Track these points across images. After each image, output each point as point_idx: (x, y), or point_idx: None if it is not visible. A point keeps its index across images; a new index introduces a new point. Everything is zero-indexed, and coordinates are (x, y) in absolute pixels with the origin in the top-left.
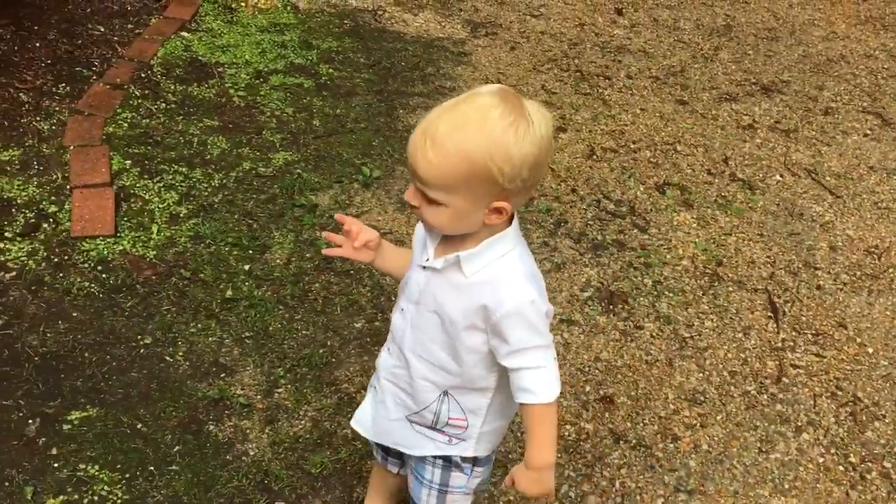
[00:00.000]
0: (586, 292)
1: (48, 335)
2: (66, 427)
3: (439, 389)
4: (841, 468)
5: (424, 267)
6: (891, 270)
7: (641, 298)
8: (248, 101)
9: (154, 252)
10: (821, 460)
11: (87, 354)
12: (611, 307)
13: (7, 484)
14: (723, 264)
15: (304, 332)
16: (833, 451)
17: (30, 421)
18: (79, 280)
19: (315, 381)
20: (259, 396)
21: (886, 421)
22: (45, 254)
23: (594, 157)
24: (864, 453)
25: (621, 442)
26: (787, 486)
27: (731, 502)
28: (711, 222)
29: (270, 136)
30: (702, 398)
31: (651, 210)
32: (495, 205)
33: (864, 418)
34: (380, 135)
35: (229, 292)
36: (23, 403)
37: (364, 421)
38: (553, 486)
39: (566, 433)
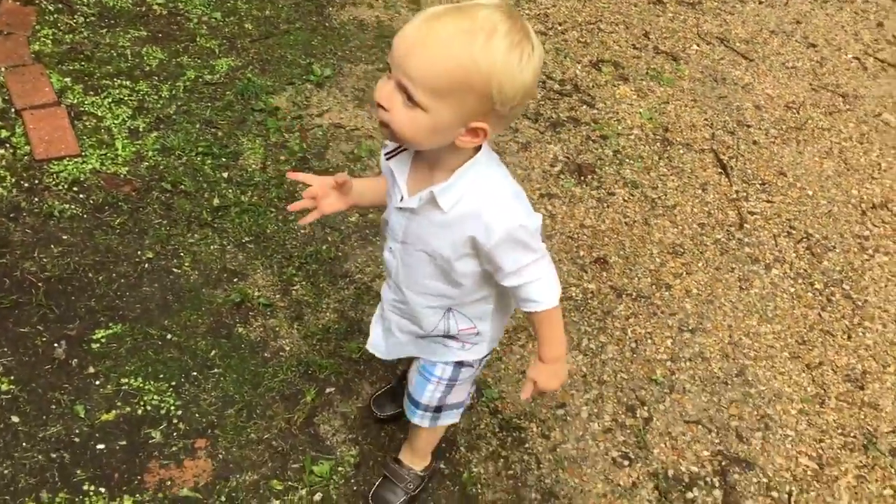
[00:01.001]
0: (556, 167)
1: (44, 260)
2: (94, 346)
3: (442, 310)
4: (810, 295)
5: (401, 208)
6: (810, 122)
7: (606, 167)
8: (169, 9)
9: (126, 168)
10: (792, 290)
11: (90, 275)
12: (582, 178)
13: (55, 407)
14: (669, 130)
15: (301, 231)
16: (800, 281)
17: (55, 345)
18: (57, 203)
19: (328, 275)
20: (278, 296)
21: (837, 251)
22: (13, 179)
23: None
24: (825, 280)
25: (623, 296)
26: (770, 316)
27: (727, 335)
28: (649, 93)
29: (206, 42)
30: (681, 250)
31: (593, 86)
32: (474, 124)
33: (818, 251)
34: (317, 34)
35: (216, 200)
36: (42, 329)
37: (377, 345)
38: (567, 374)
39: (574, 294)
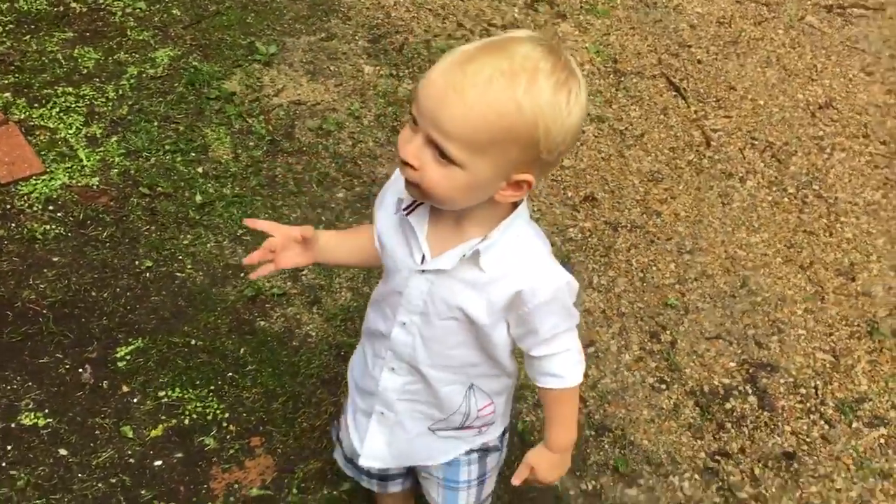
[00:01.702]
0: None
1: (42, 286)
2: (120, 364)
3: (465, 387)
4: (786, 200)
5: (423, 271)
6: (743, 34)
7: None
8: (89, 6)
9: (96, 179)
10: (769, 198)
11: (94, 293)
12: None
13: (99, 432)
14: (618, 61)
15: (293, 215)
16: (774, 188)
17: (80, 370)
18: (37, 225)
19: None
20: (289, 284)
21: (799, 154)
22: None
23: None
24: (796, 184)
25: (619, 228)
26: (756, 226)
27: (723, 250)
28: (589, 27)
29: (138, 35)
30: (660, 175)
31: (535, 28)
32: (517, 177)
33: (783, 157)
34: (249, 11)
35: (198, 197)
36: (61, 356)
37: (376, 453)
38: (569, 464)
39: (573, 235)
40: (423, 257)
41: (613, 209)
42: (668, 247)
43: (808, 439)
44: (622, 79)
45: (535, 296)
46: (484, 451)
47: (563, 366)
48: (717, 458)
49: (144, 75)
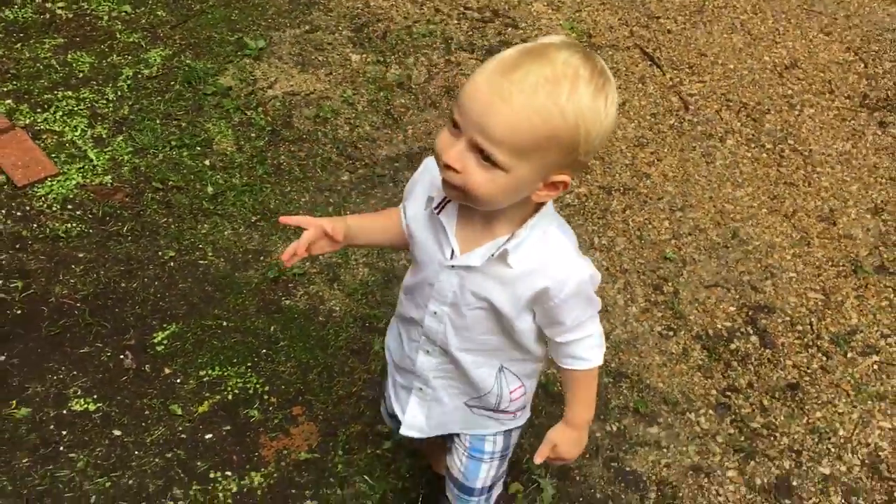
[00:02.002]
0: None
1: (72, 281)
2: (159, 349)
3: (495, 369)
4: (765, 155)
5: (454, 266)
6: (707, 3)
7: None
8: (75, 11)
9: (109, 177)
10: (749, 155)
11: (123, 284)
12: None
13: (148, 412)
14: (592, 35)
15: (303, 199)
16: (752, 145)
17: (121, 357)
18: (58, 224)
19: None
20: (308, 264)
21: (772, 113)
22: (2, 211)
23: None
24: (772, 140)
25: (612, 192)
26: (740, 181)
27: (711, 205)
28: (561, 5)
29: (127, 37)
30: (645, 140)
31: (509, 8)
32: (555, 178)
33: (757, 116)
34: (233, 8)
35: (210, 189)
36: (101, 345)
37: (416, 425)
38: (586, 440)
39: (570, 201)
40: (453, 253)
41: (605, 174)
42: (660, 205)
43: (808, 371)
44: (598, 52)
45: (560, 291)
46: (509, 430)
47: (585, 349)
48: (727, 393)
49: (140, 76)
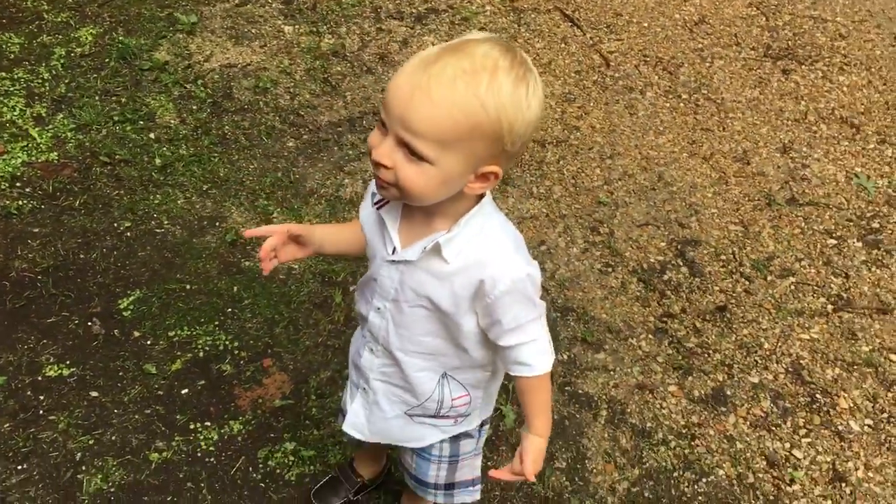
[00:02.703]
0: None
1: (31, 255)
2: (126, 314)
3: (437, 375)
4: (682, 105)
5: (394, 261)
6: None
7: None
8: None
9: (54, 154)
10: (668, 105)
11: (82, 256)
12: None
13: (122, 373)
14: (514, 0)
15: (251, 166)
16: (670, 97)
17: (88, 323)
18: (9, 202)
19: (297, 196)
20: (263, 225)
21: (686, 66)
22: None
23: None
24: (688, 91)
25: (546, 145)
26: (662, 129)
27: (637, 152)
28: None
29: (55, 17)
30: (572, 96)
31: None
32: (485, 169)
33: (672, 69)
34: None
35: (157, 160)
36: (67, 314)
37: (358, 424)
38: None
39: None
40: (395, 249)
41: (538, 129)
42: (591, 155)
43: (734, 294)
44: (521, 16)
45: (495, 287)
46: (457, 436)
47: (530, 355)
48: (664, 319)
49: (73, 54)
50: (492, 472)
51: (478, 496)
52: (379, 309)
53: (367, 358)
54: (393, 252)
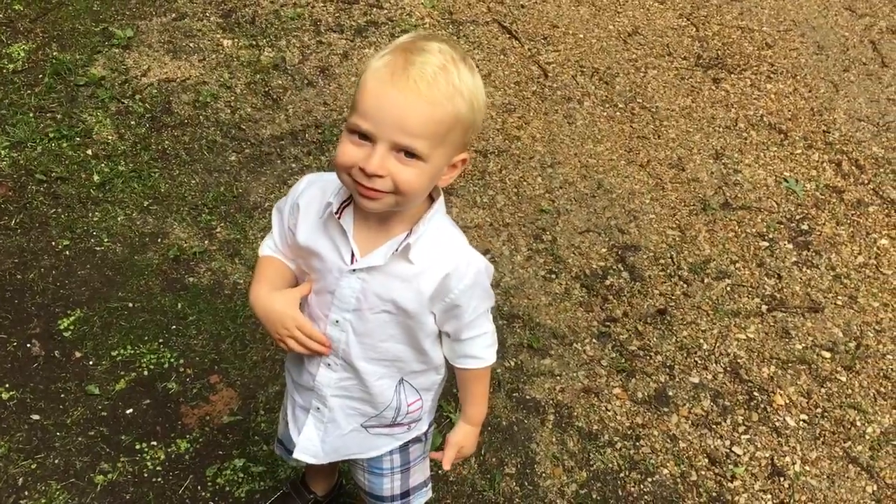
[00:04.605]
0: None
1: None
2: (66, 334)
3: (395, 381)
4: (618, 114)
5: (355, 270)
6: None
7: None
8: None
9: None
10: (605, 114)
11: (19, 276)
12: None
13: (64, 395)
14: (453, 12)
15: (193, 181)
16: (607, 106)
17: (28, 345)
18: None
19: (240, 210)
20: (206, 242)
21: (621, 76)
22: None
23: None
24: (623, 100)
25: (488, 155)
26: (599, 137)
27: (577, 160)
28: None
29: None
30: (512, 107)
31: None
32: (456, 158)
33: (608, 79)
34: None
35: (96, 177)
36: (5, 336)
37: (310, 449)
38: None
39: None
40: (353, 257)
41: (480, 139)
42: (532, 164)
43: (673, 297)
44: (460, 28)
45: (460, 281)
46: (406, 443)
47: (481, 348)
48: (607, 323)
49: (5, 70)
50: (446, 465)
51: (430, 493)
52: (338, 322)
53: (324, 374)
54: (352, 261)
